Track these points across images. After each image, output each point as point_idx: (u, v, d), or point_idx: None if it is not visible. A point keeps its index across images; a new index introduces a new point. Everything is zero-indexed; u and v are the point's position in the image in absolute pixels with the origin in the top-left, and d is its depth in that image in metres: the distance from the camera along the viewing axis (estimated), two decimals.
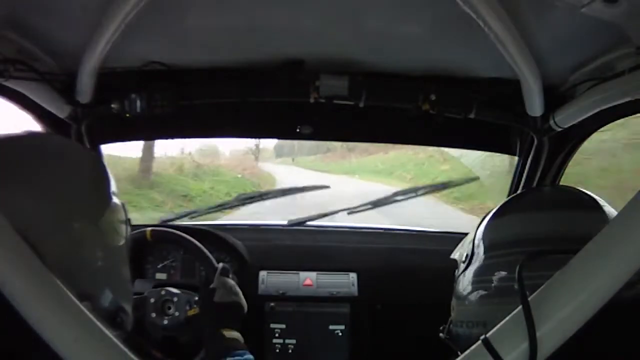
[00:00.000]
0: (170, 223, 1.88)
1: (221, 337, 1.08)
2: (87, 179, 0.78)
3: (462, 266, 0.87)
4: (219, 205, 2.02)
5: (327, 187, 2.05)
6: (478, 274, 0.82)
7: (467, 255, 0.86)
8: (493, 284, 0.79)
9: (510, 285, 0.74)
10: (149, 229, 1.40)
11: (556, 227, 0.77)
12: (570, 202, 0.83)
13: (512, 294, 0.69)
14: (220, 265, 1.26)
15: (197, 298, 1.32)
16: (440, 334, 0.92)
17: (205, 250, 1.37)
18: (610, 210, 0.78)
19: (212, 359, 1.06)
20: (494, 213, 0.87)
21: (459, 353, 0.83)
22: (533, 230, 0.78)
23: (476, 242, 0.85)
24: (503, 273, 0.78)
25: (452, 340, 0.89)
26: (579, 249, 0.62)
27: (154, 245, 1.64)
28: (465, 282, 0.85)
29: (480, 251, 0.83)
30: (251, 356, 1.04)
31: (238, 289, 1.22)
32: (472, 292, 0.82)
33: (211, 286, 1.20)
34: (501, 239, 0.81)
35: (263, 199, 1.99)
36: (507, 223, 0.83)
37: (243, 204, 2.02)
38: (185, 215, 1.91)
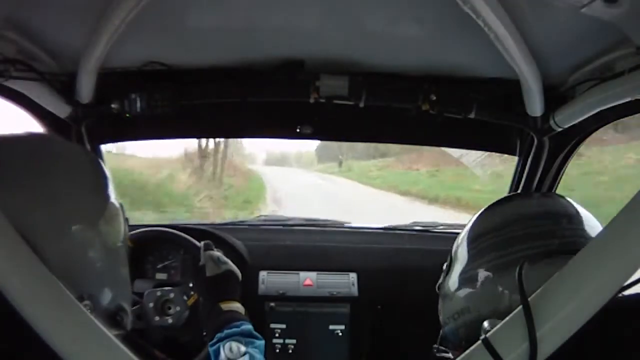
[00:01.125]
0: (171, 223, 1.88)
1: (219, 310, 1.05)
2: (86, 180, 0.78)
3: (445, 270, 0.89)
4: (239, 222, 2.00)
5: (349, 223, 2.03)
6: (458, 271, 0.84)
7: (450, 257, 0.89)
8: (470, 273, 0.81)
9: (487, 269, 0.78)
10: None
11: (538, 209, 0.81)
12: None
13: (491, 278, 0.74)
14: (202, 242, 1.22)
15: (191, 285, 1.31)
16: (434, 352, 0.92)
17: (184, 235, 1.35)
18: (591, 220, 0.80)
19: (210, 334, 1.03)
20: (471, 224, 0.88)
21: (452, 356, 0.85)
22: (512, 216, 0.80)
23: (454, 248, 0.87)
24: (480, 260, 0.80)
25: (446, 346, 0.89)
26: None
27: (158, 246, 1.64)
28: (447, 283, 0.87)
29: (461, 250, 0.85)
30: (249, 325, 1.01)
31: (226, 259, 1.18)
32: (453, 288, 0.84)
33: (199, 264, 1.17)
34: (478, 231, 0.84)
35: (284, 225, 1.97)
36: (487, 218, 0.85)
37: (263, 225, 2.00)
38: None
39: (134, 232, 1.42)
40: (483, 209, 0.88)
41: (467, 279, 0.81)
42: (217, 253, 1.19)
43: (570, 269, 0.61)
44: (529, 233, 0.76)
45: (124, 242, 0.82)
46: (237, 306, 1.07)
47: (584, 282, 0.59)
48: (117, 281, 0.80)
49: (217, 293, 1.10)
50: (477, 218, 0.87)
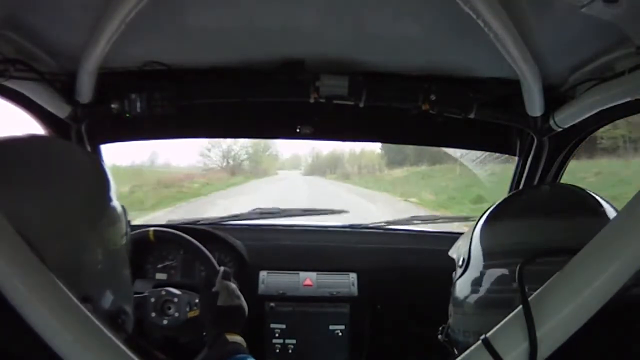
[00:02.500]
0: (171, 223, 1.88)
1: (224, 340, 1.08)
2: (87, 182, 0.78)
3: (459, 270, 0.85)
4: (234, 216, 1.99)
5: (346, 211, 2.03)
6: (475, 282, 0.80)
7: (463, 259, 0.85)
8: (490, 295, 0.78)
9: (507, 297, 0.73)
10: (152, 229, 1.40)
11: (553, 236, 0.73)
12: (569, 206, 0.79)
13: (509, 305, 0.67)
14: (222, 268, 1.26)
15: (197, 300, 1.32)
16: (439, 336, 0.91)
17: (208, 253, 1.37)
18: (612, 213, 0.76)
19: None
20: (491, 215, 0.85)
21: (456, 352, 0.83)
22: (530, 240, 0.75)
23: (473, 246, 0.83)
24: (500, 285, 0.76)
25: (450, 343, 0.88)
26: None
27: (156, 246, 1.64)
28: (462, 288, 0.83)
29: (477, 257, 0.81)
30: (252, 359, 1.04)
31: (239, 293, 1.22)
32: (468, 300, 0.81)
33: (213, 289, 1.20)
34: (498, 247, 0.79)
35: (281, 216, 1.96)
36: (504, 230, 0.81)
37: (260, 218, 1.99)
38: (193, 223, 1.89)
39: (159, 228, 1.42)
40: (490, 212, 0.85)
41: (481, 299, 0.78)
42: (233, 285, 1.22)
43: (570, 269, 0.61)
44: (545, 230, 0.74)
45: (126, 244, 0.82)
46: (240, 339, 1.10)
47: (584, 282, 0.59)
48: (118, 283, 0.80)
49: (225, 323, 1.13)
50: (488, 225, 0.83)
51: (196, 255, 1.39)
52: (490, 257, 0.79)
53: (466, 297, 0.81)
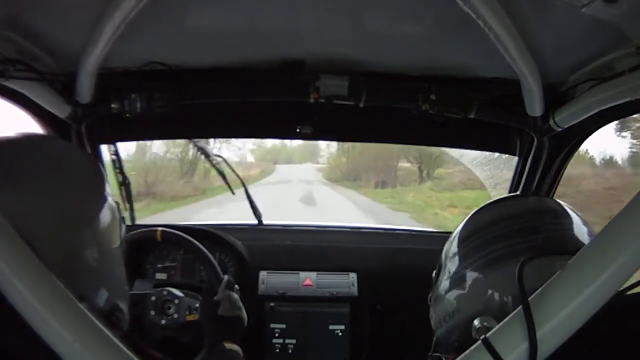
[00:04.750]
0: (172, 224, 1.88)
1: (222, 348, 1.10)
2: (82, 180, 0.78)
3: (433, 282, 0.89)
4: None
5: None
6: (448, 274, 0.84)
7: (435, 272, 0.89)
8: (459, 274, 0.81)
9: (474, 268, 0.78)
10: (160, 229, 1.40)
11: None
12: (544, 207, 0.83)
13: (479, 278, 0.74)
14: (226, 277, 1.27)
15: (197, 305, 1.32)
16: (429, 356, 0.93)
17: (213, 259, 1.37)
18: (578, 222, 0.79)
19: None
20: (459, 228, 0.88)
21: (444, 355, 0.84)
22: (497, 216, 0.80)
23: (444, 252, 0.87)
24: (468, 260, 0.80)
25: (439, 350, 0.89)
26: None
27: (159, 246, 1.64)
28: (437, 287, 0.87)
29: (449, 255, 0.85)
30: None
31: (241, 304, 1.24)
32: (443, 291, 0.84)
33: (215, 298, 1.21)
34: (466, 233, 0.83)
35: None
36: (474, 220, 0.85)
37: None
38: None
39: (167, 229, 1.42)
40: (471, 213, 0.89)
41: (456, 280, 0.81)
42: (235, 295, 1.24)
43: (570, 269, 0.61)
44: (512, 230, 0.77)
45: (121, 242, 0.82)
46: (237, 348, 1.13)
47: (584, 282, 0.59)
48: (113, 281, 0.80)
49: (224, 332, 1.16)
50: (465, 221, 0.87)
51: (201, 260, 1.40)
52: (458, 243, 0.83)
53: (440, 289, 0.86)
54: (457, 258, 0.82)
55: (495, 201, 0.89)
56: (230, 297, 1.22)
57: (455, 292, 0.81)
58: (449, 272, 0.83)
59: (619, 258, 0.59)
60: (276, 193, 11.09)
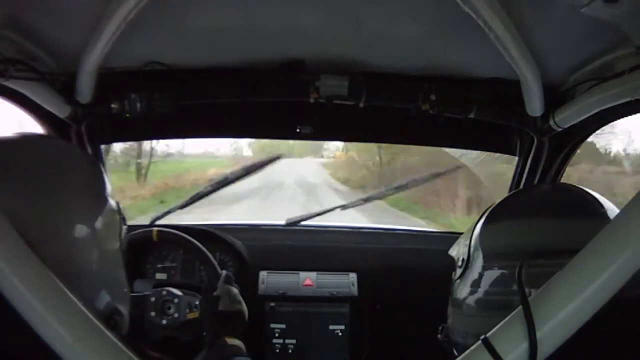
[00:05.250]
0: (171, 223, 1.88)
1: (224, 343, 1.09)
2: (84, 181, 0.78)
3: (459, 271, 0.84)
4: (194, 197, 1.82)
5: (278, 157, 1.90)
6: (474, 283, 0.80)
7: (463, 259, 0.84)
8: (489, 296, 0.77)
9: (506, 298, 0.73)
10: (156, 229, 1.41)
11: (554, 239, 0.74)
12: (569, 206, 0.78)
13: (508, 307, 0.67)
14: (224, 272, 1.27)
15: (197, 302, 1.32)
16: (439, 336, 0.91)
17: (210, 256, 1.37)
18: (613, 213, 0.75)
19: None
20: (491, 214, 0.84)
21: (456, 353, 0.83)
22: (530, 241, 0.74)
23: (472, 246, 0.82)
24: (499, 287, 0.76)
25: (449, 344, 0.88)
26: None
27: (157, 246, 1.64)
28: (461, 289, 0.82)
29: (477, 258, 0.80)
30: None
31: (241, 298, 1.24)
32: (468, 301, 0.80)
33: (215, 293, 1.21)
34: (497, 248, 0.79)
35: (233, 182, 1.83)
36: (504, 231, 0.80)
37: (217, 190, 1.86)
38: (168, 213, 1.78)
39: (163, 229, 1.42)
40: (497, 208, 0.84)
41: (480, 300, 0.78)
42: (235, 290, 1.24)
43: (570, 269, 0.61)
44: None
45: (121, 243, 0.82)
46: (239, 343, 1.12)
47: (583, 282, 0.59)
48: (113, 283, 0.79)
49: (225, 327, 1.15)
50: (492, 225, 0.82)
51: (199, 257, 1.40)
52: (490, 257, 0.78)
53: (465, 298, 0.81)
54: (483, 274, 0.79)
55: (516, 202, 0.86)
56: (229, 291, 1.22)
57: (480, 312, 0.78)
58: (475, 285, 0.79)
59: (619, 258, 0.59)
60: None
